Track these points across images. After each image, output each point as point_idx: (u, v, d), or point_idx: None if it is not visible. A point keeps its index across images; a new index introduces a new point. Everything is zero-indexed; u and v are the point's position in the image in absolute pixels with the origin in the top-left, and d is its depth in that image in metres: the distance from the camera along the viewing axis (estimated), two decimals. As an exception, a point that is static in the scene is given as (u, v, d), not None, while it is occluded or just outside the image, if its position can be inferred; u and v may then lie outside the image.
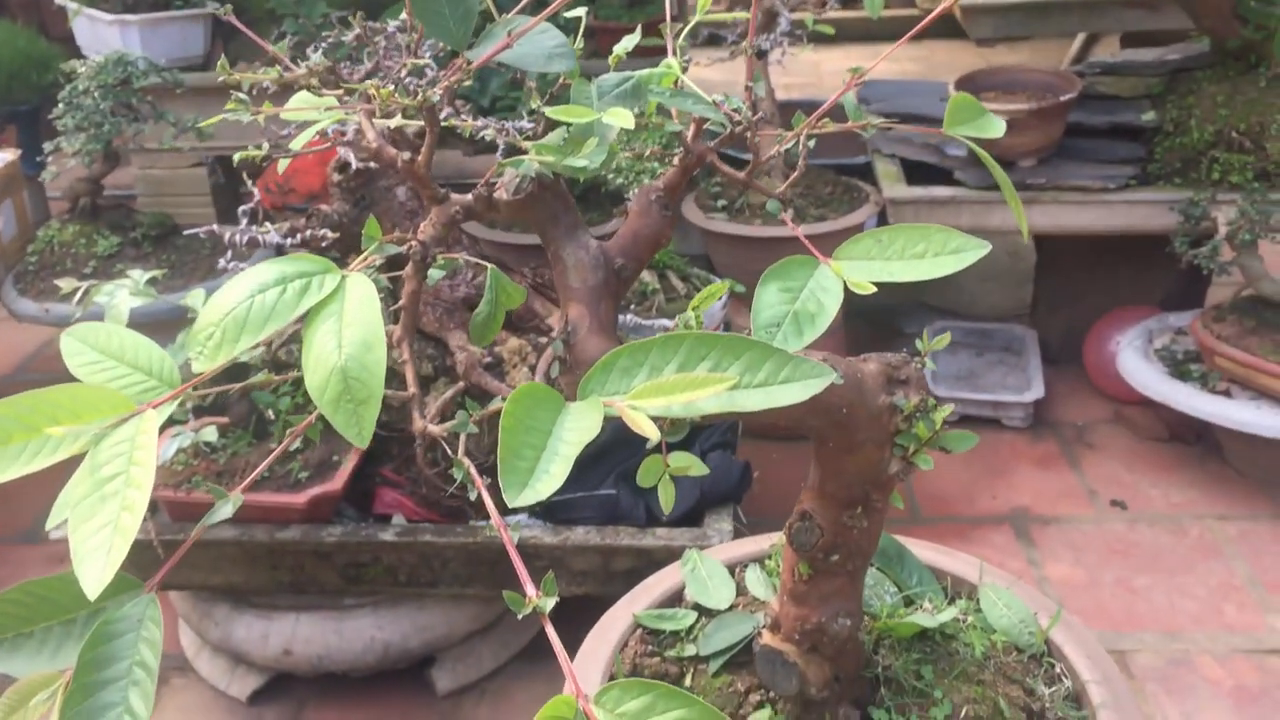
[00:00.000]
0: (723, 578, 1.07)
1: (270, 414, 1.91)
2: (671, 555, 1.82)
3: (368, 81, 0.81)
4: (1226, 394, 2.42)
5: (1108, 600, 2.24)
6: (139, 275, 1.80)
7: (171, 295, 2.40)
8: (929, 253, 0.72)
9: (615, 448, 1.88)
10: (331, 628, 1.96)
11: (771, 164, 2.70)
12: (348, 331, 0.67)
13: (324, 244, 1.83)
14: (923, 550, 1.17)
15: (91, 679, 0.69)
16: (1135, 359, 2.59)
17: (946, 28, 3.98)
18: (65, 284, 1.83)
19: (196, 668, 2.13)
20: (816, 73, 5.61)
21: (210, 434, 1.78)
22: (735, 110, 0.79)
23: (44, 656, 0.75)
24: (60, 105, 2.48)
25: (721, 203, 2.65)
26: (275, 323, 0.68)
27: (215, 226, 1.77)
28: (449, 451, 0.78)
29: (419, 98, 0.72)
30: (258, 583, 1.92)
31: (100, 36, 3.22)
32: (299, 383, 1.99)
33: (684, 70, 0.90)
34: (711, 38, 2.81)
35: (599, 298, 0.81)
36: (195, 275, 2.61)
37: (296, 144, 0.84)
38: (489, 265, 0.87)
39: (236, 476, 1.85)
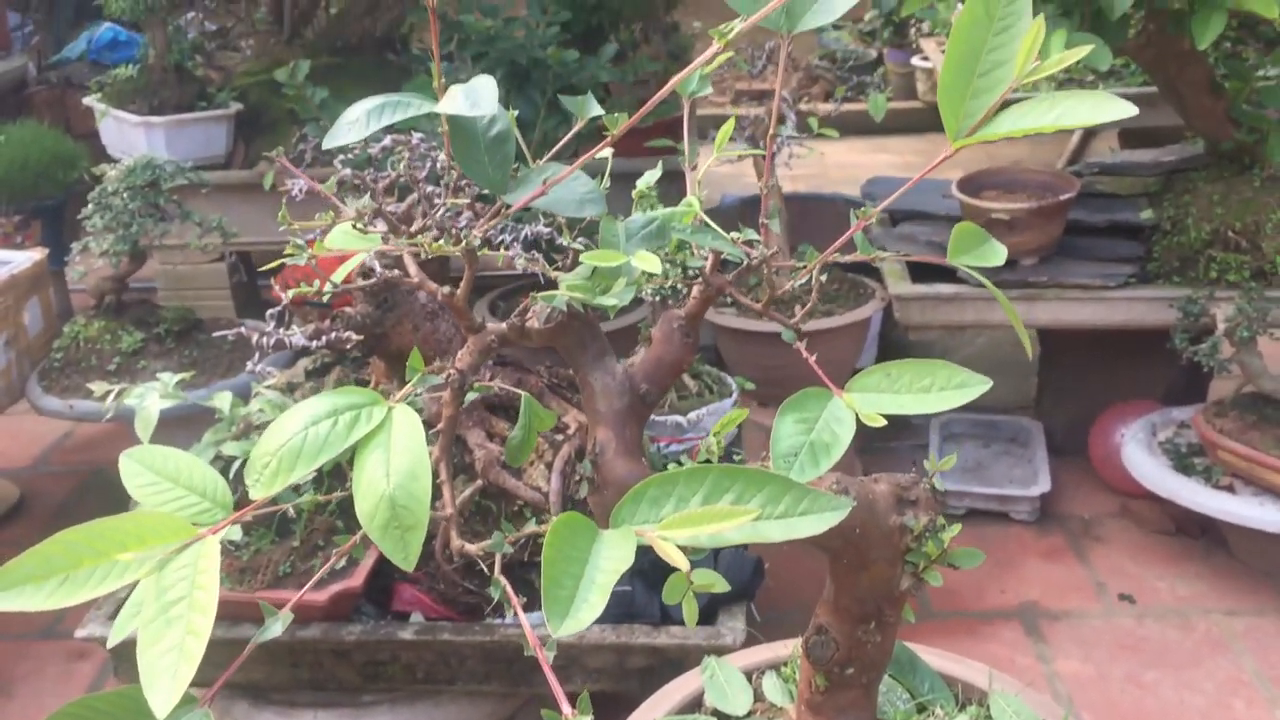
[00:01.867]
0: (741, 684, 1.10)
1: (292, 511, 1.95)
2: (685, 654, 1.86)
3: (417, 231, 0.87)
4: (1230, 489, 2.46)
5: (1117, 696, 2.25)
6: (168, 378, 1.86)
7: (195, 392, 2.46)
8: (935, 387, 0.77)
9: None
10: (349, 724, 1.98)
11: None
12: (395, 461, 0.72)
13: (348, 345, 1.89)
14: (934, 657, 1.20)
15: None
16: (1140, 453, 2.63)
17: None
18: (97, 387, 1.89)
19: (213, 764, 2.14)
20: (822, 164, 5.71)
21: (234, 532, 1.82)
22: (750, 245, 0.84)
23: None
24: (90, 206, 2.56)
25: (730, 298, 2.70)
26: (328, 453, 0.73)
27: (244, 329, 1.84)
28: (468, 549, 0.83)
29: (461, 244, 0.78)
30: (278, 680, 1.95)
31: (126, 137, 3.32)
32: (318, 482, 2.03)
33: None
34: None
35: (624, 421, 0.86)
36: (217, 371, 2.67)
37: (338, 276, 0.90)
38: (523, 393, 0.93)
39: (259, 574, 1.89)
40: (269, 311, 1.99)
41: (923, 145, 6.09)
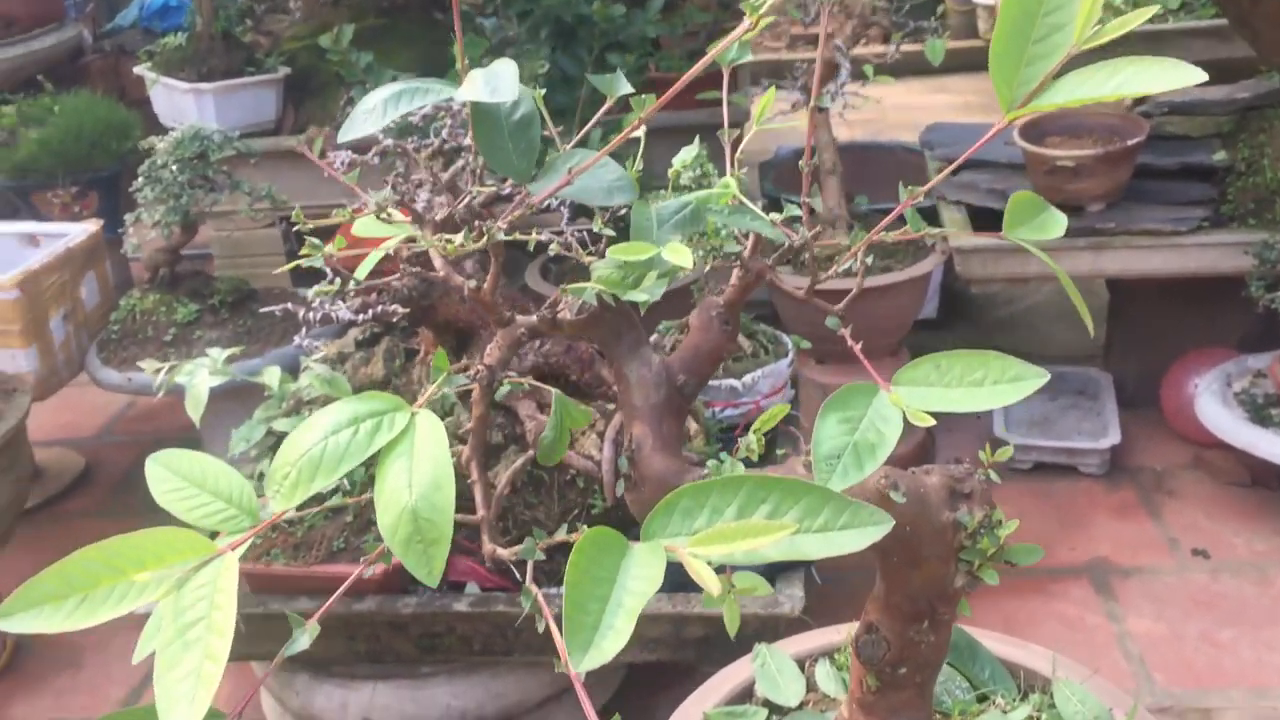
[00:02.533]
0: (793, 673, 1.07)
1: (346, 484, 1.94)
2: (743, 622, 1.83)
3: (440, 224, 0.83)
4: (1309, 440, 2.37)
5: (1192, 656, 2.19)
6: (217, 354, 1.85)
7: (250, 362, 2.46)
8: (988, 380, 0.72)
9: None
10: (408, 696, 1.98)
11: (835, 215, 2.70)
12: (418, 471, 0.69)
13: (394, 319, 1.87)
14: (995, 643, 1.16)
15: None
16: (1214, 404, 2.54)
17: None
18: (148, 365, 1.88)
19: (278, 734, 2.16)
20: (880, 108, 5.56)
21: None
22: (792, 226, 0.79)
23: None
24: (140, 179, 2.55)
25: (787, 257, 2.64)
26: (348, 463, 0.70)
27: (290, 304, 1.82)
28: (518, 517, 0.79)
29: (484, 238, 0.74)
30: (336, 653, 1.95)
31: (176, 104, 3.31)
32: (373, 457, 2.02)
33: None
34: (773, 82, 2.82)
35: (661, 415, 0.82)
36: (271, 339, 2.67)
37: (360, 272, 0.87)
38: (554, 390, 0.89)
39: (314, 549, 1.88)
40: (314, 289, 1.97)
41: (984, 84, 5.89)
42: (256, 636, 1.96)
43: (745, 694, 1.14)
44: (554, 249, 0.88)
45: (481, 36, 2.89)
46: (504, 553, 0.77)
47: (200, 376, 1.80)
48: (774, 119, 2.92)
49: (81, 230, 2.82)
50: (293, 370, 2.00)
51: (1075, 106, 0.72)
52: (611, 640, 0.56)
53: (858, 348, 0.85)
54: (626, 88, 0.92)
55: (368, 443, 0.70)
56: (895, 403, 0.70)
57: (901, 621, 0.88)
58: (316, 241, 0.85)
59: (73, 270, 2.74)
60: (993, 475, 0.85)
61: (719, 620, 1.82)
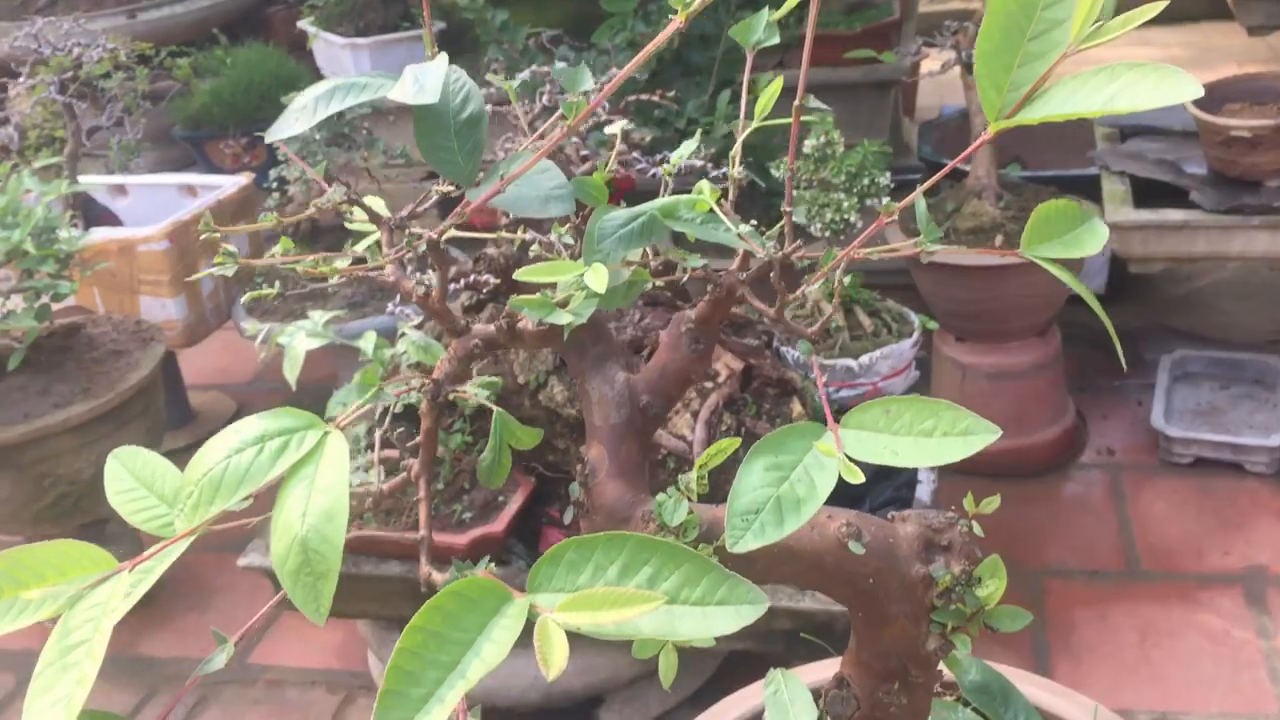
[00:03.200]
0: (805, 703, 0.99)
1: (441, 451, 1.94)
2: (832, 618, 1.75)
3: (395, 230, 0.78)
4: None
5: (1346, 686, 2.00)
6: (319, 316, 1.87)
7: (359, 323, 2.49)
8: (937, 431, 0.63)
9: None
10: (497, 664, 1.98)
11: (984, 184, 2.54)
12: (314, 500, 0.65)
13: (486, 289, 1.84)
14: (1034, 688, 1.05)
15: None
16: (1400, 406, 2.29)
17: (1222, 8, 3.63)
18: (250, 325, 1.92)
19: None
20: (1071, 64, 5.24)
21: (375, 473, 1.83)
22: (761, 245, 0.71)
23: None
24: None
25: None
26: (249, 485, 0.67)
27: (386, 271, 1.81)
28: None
29: (408, 247, 0.69)
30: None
31: (334, 58, 3.37)
32: (472, 419, 2.01)
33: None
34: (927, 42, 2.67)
35: (621, 438, 0.76)
36: (390, 296, 2.69)
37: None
38: (496, 409, 0.84)
39: (404, 515, 1.89)
40: (405, 257, 1.96)
41: (1194, 37, 5.48)
42: (353, 596, 2.00)
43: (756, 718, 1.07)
44: (535, 250, 0.82)
45: (631, -7, 2.82)
46: (438, 577, 0.73)
47: (298, 339, 1.83)
48: (943, 75, 2.73)
49: (233, 183, 2.90)
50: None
51: (1263, 72, 0.62)
52: (434, 716, 0.51)
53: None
54: (770, 37, 0.84)
55: (270, 464, 0.67)
56: (827, 452, 0.62)
57: (872, 680, 0.80)
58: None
59: (223, 222, 2.82)
60: (976, 527, 0.75)
61: (808, 615, 1.75)
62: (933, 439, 0.62)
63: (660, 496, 0.73)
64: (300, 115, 0.73)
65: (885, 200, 0.81)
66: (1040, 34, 0.62)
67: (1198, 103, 2.43)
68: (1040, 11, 0.62)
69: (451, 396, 0.82)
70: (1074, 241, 0.79)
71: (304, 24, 3.41)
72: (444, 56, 0.72)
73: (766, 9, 0.87)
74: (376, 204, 0.86)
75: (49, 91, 2.61)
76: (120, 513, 0.80)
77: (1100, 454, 2.70)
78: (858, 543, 0.71)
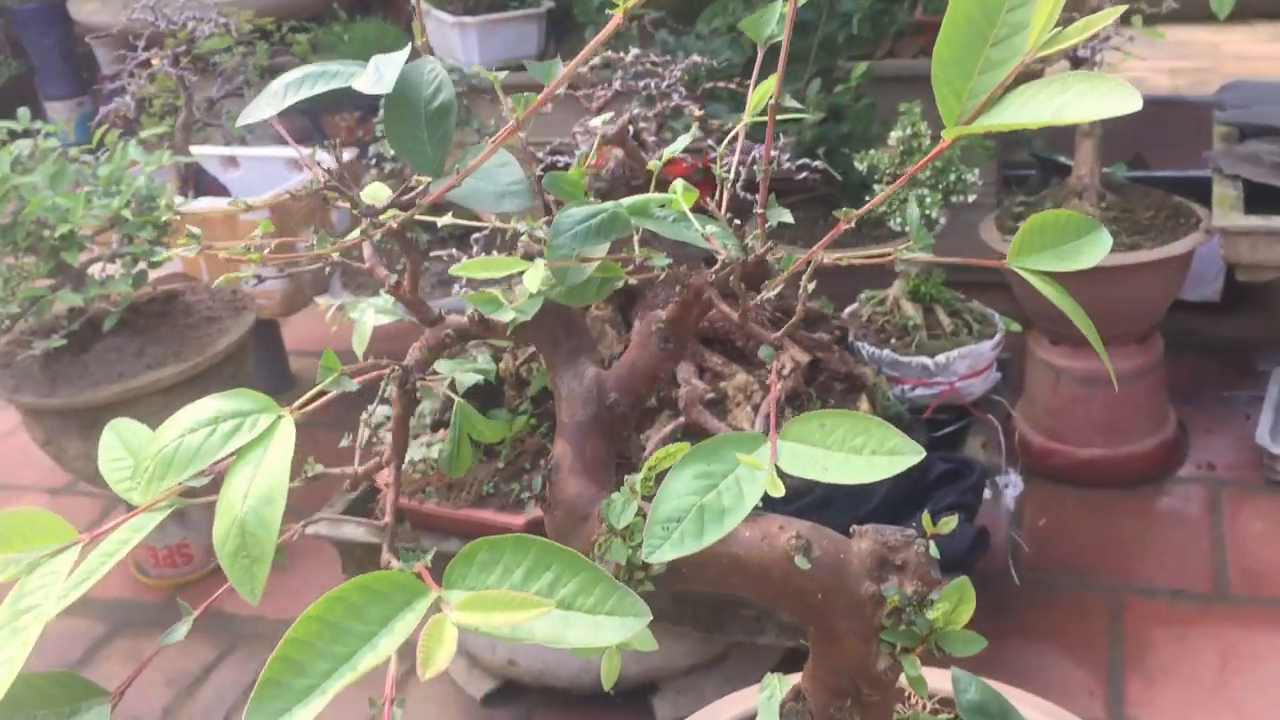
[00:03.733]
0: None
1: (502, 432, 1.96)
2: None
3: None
4: None
5: None
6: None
7: (434, 303, 2.53)
8: (866, 449, 0.60)
9: (840, 497, 1.78)
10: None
11: (1085, 184, 2.45)
12: (257, 482, 0.66)
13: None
14: (1034, 711, 1.01)
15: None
16: None
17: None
18: (323, 300, 1.97)
19: (444, 660, 2.23)
20: (1215, 55, 5.02)
21: (436, 450, 1.85)
22: (726, 247, 0.69)
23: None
24: (380, 111, 2.65)
25: (1023, 223, 2.43)
26: (199, 464, 0.68)
27: (455, 251, 1.84)
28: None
29: (365, 235, 0.70)
30: (485, 593, 1.99)
31: (444, 37, 3.41)
32: (537, 400, 2.02)
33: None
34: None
35: (586, 434, 0.75)
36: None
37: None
38: (457, 399, 0.84)
39: (465, 491, 1.91)
40: (474, 236, 1.99)
41: (1350, 33, 5.20)
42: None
43: (747, 723, 1.05)
44: (524, 242, 0.82)
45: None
46: (396, 564, 0.74)
47: (367, 315, 1.86)
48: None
49: (384, 194, 2.96)
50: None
51: None
52: (308, 711, 0.52)
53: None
54: (779, 34, 0.83)
55: (221, 445, 0.68)
56: (754, 465, 0.60)
57: (825, 695, 0.77)
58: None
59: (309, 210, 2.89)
60: (933, 548, 0.72)
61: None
62: (862, 456, 0.60)
63: (615, 495, 0.73)
64: (271, 100, 0.74)
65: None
66: (1002, 39, 0.60)
67: (1320, 104, 2.31)
68: (1004, 14, 0.60)
69: (426, 386, 0.82)
70: (1071, 253, 0.75)
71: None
72: (407, 49, 0.72)
73: (855, 5, 0.84)
74: (378, 192, 0.86)
75: (163, 65, 2.70)
76: (109, 482, 0.82)
77: (1200, 468, 2.59)
78: (804, 557, 0.69)
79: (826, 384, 1.92)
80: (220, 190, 3.03)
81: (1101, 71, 2.64)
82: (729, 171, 0.78)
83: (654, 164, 0.84)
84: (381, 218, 0.75)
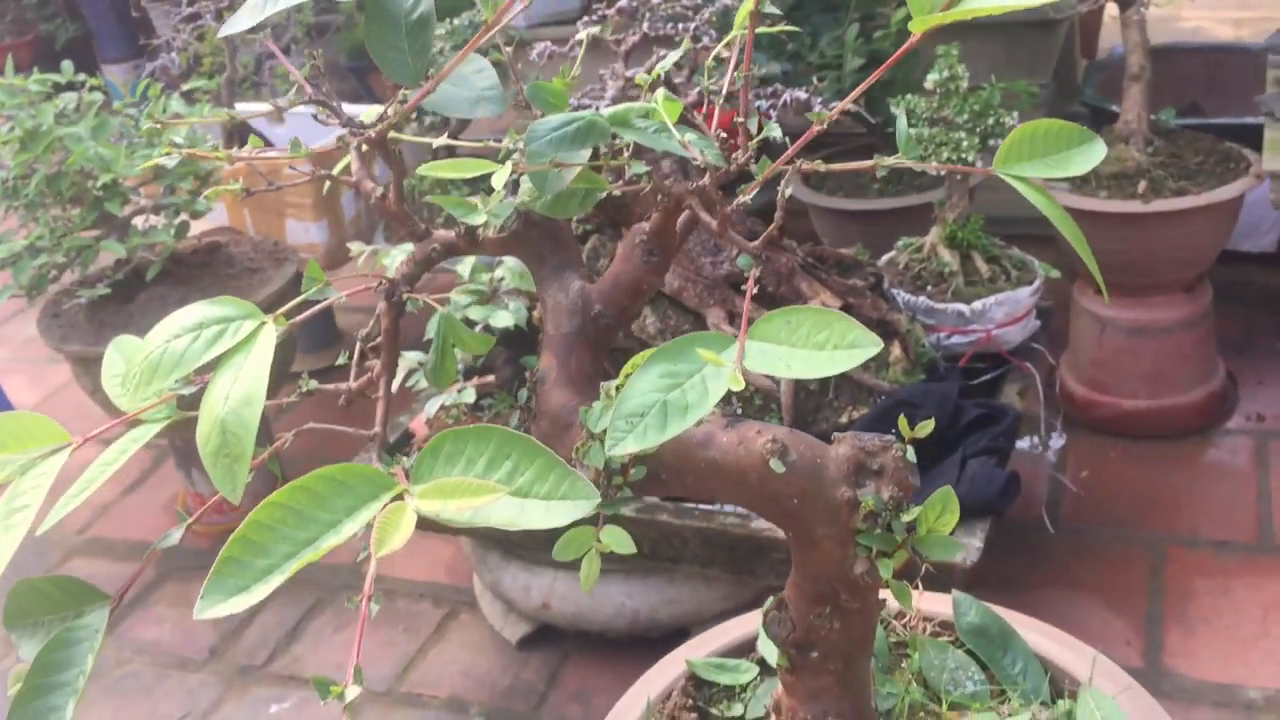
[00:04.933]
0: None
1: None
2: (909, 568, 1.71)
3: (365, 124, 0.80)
4: None
5: None
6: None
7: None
8: (829, 344, 0.60)
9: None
10: (585, 589, 2.01)
11: (1132, 129, 2.40)
12: (237, 385, 0.67)
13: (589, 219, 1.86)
14: (1035, 634, 1.00)
15: (44, 681, 0.75)
16: None
17: None
18: (355, 247, 1.99)
19: (481, 606, 2.27)
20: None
21: (469, 395, 1.87)
22: (706, 153, 0.69)
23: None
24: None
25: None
26: (183, 369, 0.70)
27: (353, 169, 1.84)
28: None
29: (360, 138, 0.70)
30: (518, 536, 2.00)
31: (488, -7, 3.41)
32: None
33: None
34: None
35: (572, 346, 0.76)
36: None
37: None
38: (440, 309, 0.84)
39: (497, 435, 1.93)
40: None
41: None
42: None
43: (747, 647, 1.05)
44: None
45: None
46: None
47: (400, 260, 1.88)
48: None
49: (379, 112, 2.98)
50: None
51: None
52: (265, 588, 0.53)
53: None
54: None
55: (204, 351, 0.69)
56: (715, 362, 0.60)
57: (806, 603, 0.77)
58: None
59: (368, 149, 2.91)
60: (909, 453, 0.72)
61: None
62: (824, 352, 0.60)
63: (597, 404, 0.73)
64: (251, 11, 0.74)
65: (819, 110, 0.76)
66: (972, -72, 0.59)
67: (1377, 43, 2.24)
68: (974, -96, 0.59)
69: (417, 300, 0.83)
70: (1060, 162, 0.74)
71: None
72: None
73: None
74: (369, 114, 0.87)
75: (207, 19, 2.73)
76: (109, 394, 0.84)
77: (1249, 420, 2.54)
78: (780, 460, 0.69)
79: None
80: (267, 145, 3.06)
81: (1155, 19, 2.55)
82: (718, 86, 0.78)
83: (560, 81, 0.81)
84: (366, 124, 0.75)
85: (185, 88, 2.53)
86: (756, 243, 0.70)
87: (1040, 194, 0.71)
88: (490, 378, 1.94)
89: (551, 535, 1.96)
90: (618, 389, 0.70)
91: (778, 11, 0.80)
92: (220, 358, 0.70)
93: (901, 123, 0.75)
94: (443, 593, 2.37)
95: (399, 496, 0.58)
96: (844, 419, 1.79)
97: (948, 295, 2.05)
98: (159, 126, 2.18)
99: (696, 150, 0.69)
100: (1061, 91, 3.42)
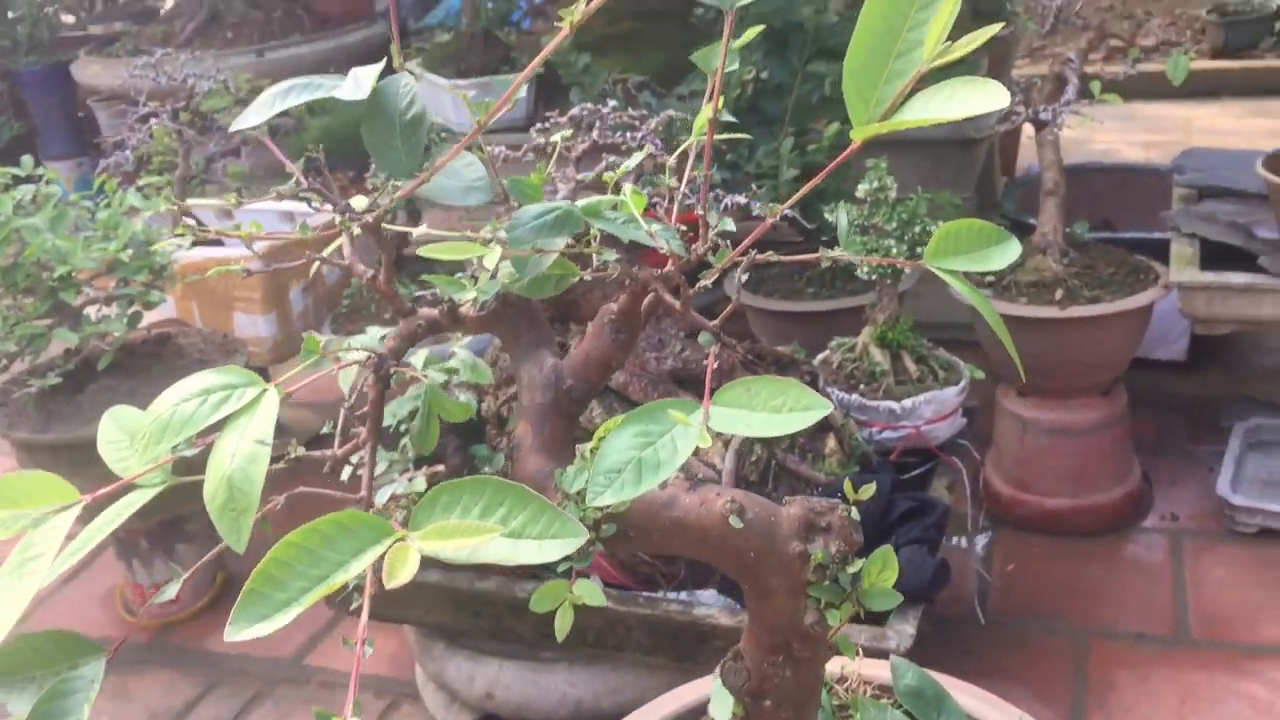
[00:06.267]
0: (748, 698, 1.04)
1: (485, 470, 2.03)
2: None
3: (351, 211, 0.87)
4: None
5: (1388, 763, 1.94)
6: (374, 332, 1.97)
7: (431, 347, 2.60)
8: (785, 407, 0.68)
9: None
10: (529, 679, 2.04)
11: (1048, 241, 2.55)
12: (242, 444, 0.73)
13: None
14: (966, 696, 1.07)
15: (39, 729, 0.79)
16: None
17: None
18: (314, 336, 2.04)
19: (423, 697, 2.28)
20: (1186, 129, 5.18)
21: (420, 484, 1.92)
22: (669, 243, 0.77)
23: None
24: (372, 168, 2.75)
25: (989, 278, 2.53)
26: (190, 429, 0.76)
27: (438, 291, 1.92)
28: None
29: (352, 226, 0.78)
30: (463, 626, 2.04)
31: (437, 99, 3.53)
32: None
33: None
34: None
35: (545, 417, 0.83)
36: (476, 326, 2.81)
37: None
38: (427, 380, 0.91)
39: (445, 524, 1.97)
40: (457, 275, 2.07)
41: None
42: (395, 602, 2.09)
43: (697, 711, 1.11)
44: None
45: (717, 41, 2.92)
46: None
47: (353, 355, 1.94)
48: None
49: (365, 202, 3.06)
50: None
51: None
52: (286, 616, 0.59)
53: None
54: (732, 63, 0.91)
55: (210, 413, 0.75)
56: (680, 420, 0.68)
57: (761, 652, 0.84)
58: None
59: (317, 247, 2.98)
60: (854, 512, 0.79)
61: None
62: (781, 414, 0.68)
63: (571, 466, 0.80)
64: (259, 109, 0.82)
65: (771, 205, 0.86)
66: (904, 53, 0.68)
67: (1272, 166, 2.41)
68: (906, 33, 0.68)
69: (406, 375, 0.90)
70: (982, 258, 0.83)
71: (410, 65, 3.58)
72: (382, 63, 0.81)
73: (829, 69, 0.93)
74: (359, 202, 0.94)
75: (162, 118, 2.81)
76: (106, 460, 0.89)
77: (1164, 519, 2.66)
78: (739, 518, 0.76)
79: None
80: (215, 241, 3.12)
81: (1070, 141, 2.72)
82: (679, 183, 0.87)
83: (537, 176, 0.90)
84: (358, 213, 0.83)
85: (141, 183, 2.59)
86: (716, 321, 0.79)
87: (962, 283, 0.80)
88: (440, 467, 1.98)
89: (497, 626, 1.99)
90: (592, 451, 0.77)
91: (733, 119, 0.89)
92: (225, 419, 0.76)
93: (842, 220, 0.84)
94: (384, 685, 2.38)
95: (399, 541, 0.64)
96: (782, 509, 1.87)
97: (879, 393, 2.16)
98: (123, 216, 2.24)
99: (662, 240, 0.77)
100: (983, 205, 3.60)
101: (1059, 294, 2.43)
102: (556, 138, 1.84)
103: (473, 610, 2.01)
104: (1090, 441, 2.59)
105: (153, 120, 2.84)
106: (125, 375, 2.36)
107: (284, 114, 3.17)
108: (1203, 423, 3.01)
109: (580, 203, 0.79)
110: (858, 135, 0.70)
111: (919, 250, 2.16)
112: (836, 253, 0.79)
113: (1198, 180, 2.76)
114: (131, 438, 0.90)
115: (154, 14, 5.05)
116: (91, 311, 2.34)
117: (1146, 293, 2.44)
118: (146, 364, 2.41)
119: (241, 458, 0.73)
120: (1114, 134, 4.99)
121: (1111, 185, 3.49)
